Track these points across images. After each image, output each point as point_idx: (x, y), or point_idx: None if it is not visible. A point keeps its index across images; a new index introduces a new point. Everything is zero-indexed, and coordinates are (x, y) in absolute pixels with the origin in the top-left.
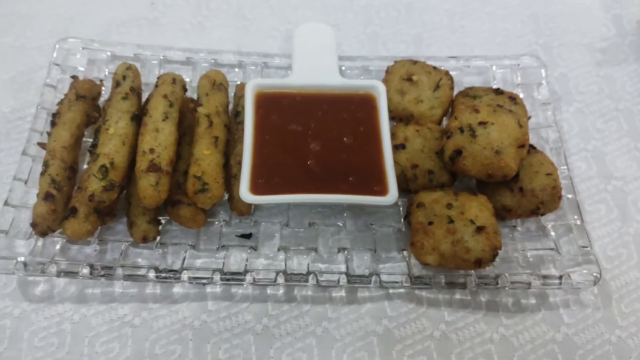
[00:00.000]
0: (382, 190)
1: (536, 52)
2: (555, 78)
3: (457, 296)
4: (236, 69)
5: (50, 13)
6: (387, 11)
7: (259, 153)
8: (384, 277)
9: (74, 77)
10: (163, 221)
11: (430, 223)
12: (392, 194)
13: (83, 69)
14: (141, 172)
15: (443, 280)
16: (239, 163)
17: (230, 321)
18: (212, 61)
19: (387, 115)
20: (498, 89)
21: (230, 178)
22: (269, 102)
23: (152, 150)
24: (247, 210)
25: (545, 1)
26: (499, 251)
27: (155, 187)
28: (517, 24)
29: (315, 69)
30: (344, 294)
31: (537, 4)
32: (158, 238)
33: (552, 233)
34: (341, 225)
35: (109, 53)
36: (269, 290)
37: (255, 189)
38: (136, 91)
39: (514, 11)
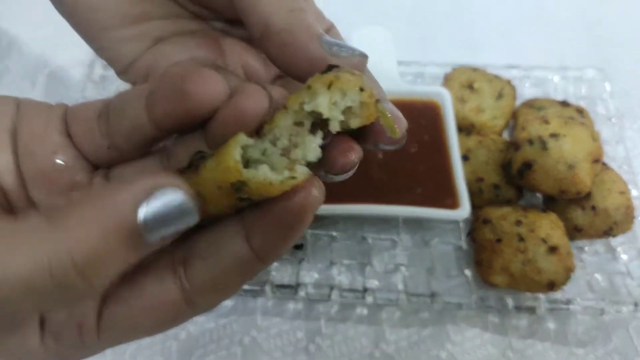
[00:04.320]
0: (453, 204)
1: (595, 65)
2: (616, 93)
3: (524, 322)
4: None
5: None
6: (437, 16)
7: None
8: (446, 298)
9: None
10: None
11: (499, 240)
12: (465, 207)
13: None
14: None
15: (511, 304)
16: None
17: (281, 339)
18: None
19: (454, 123)
20: (564, 101)
21: None
22: None
23: None
24: None
25: (604, 11)
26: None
27: None
28: (574, 35)
29: (375, 73)
30: (401, 315)
31: (594, 14)
32: None
33: (623, 256)
34: (396, 240)
35: None
36: (321, 307)
37: None
38: None
39: (571, 22)
